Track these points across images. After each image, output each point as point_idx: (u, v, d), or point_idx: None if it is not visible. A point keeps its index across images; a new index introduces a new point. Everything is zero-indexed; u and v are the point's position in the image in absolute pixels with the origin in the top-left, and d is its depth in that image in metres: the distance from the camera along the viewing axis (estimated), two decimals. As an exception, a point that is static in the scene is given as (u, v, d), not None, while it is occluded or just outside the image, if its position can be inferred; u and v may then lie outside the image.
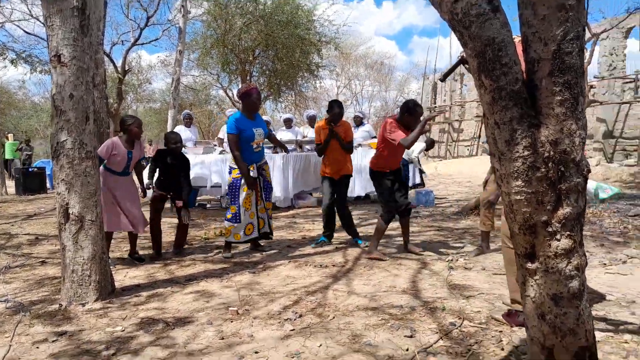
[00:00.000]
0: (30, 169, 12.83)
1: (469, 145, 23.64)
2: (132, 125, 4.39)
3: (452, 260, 4.38)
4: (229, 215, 4.71)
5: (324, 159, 5.25)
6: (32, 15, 15.63)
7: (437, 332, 2.73)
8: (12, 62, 14.81)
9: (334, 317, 3.00)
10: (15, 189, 12.45)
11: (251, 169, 4.67)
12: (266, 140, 5.01)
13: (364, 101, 39.46)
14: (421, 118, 4.45)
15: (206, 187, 8.13)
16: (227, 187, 4.84)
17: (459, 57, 3.13)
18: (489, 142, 1.67)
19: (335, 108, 5.11)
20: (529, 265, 1.65)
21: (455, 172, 15.41)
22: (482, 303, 3.21)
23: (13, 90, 31.06)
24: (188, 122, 9.28)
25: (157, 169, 4.89)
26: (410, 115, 4.40)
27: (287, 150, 5.73)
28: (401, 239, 4.92)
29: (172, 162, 4.83)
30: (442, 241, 5.32)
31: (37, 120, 30.68)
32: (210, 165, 8.11)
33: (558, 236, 1.59)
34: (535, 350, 1.70)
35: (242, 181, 4.62)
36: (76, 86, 3.37)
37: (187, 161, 5.00)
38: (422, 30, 68.15)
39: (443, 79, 3.61)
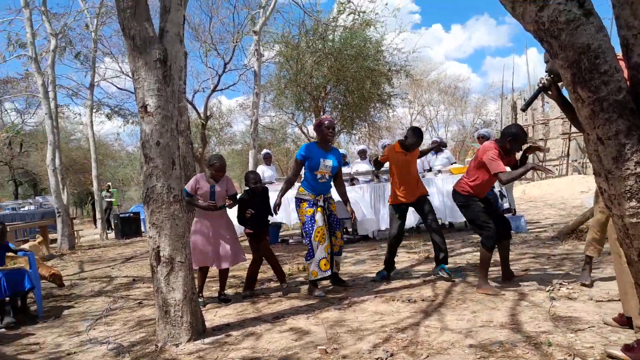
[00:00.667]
0: (127, 215, 13.79)
1: (557, 165, 22.21)
2: (215, 162, 4.61)
3: (553, 289, 4.01)
4: (305, 252, 4.66)
5: (394, 187, 5.00)
6: (122, 72, 17.13)
7: (545, 372, 2.47)
8: (107, 116, 16.23)
9: (427, 356, 2.82)
10: (115, 234, 13.40)
11: (318, 199, 4.67)
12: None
13: (439, 126, 38.66)
14: (524, 146, 4.19)
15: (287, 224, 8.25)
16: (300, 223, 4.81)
17: (540, 85, 2.98)
18: (592, 159, 1.49)
19: (415, 137, 4.87)
20: None
21: (546, 194, 14.46)
22: (593, 337, 2.88)
23: (110, 143, 33.96)
24: (268, 160, 9.56)
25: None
26: (514, 140, 4.02)
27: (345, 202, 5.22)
28: (497, 267, 4.60)
29: (252, 199, 4.91)
30: (540, 269, 4.92)
31: (132, 168, 33.15)
32: (290, 203, 8.22)
33: None
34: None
35: (316, 215, 4.58)
36: (162, 134, 3.57)
37: (266, 190, 5.08)
38: (494, 51, 66.21)
39: (525, 108, 3.51)
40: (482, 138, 8.48)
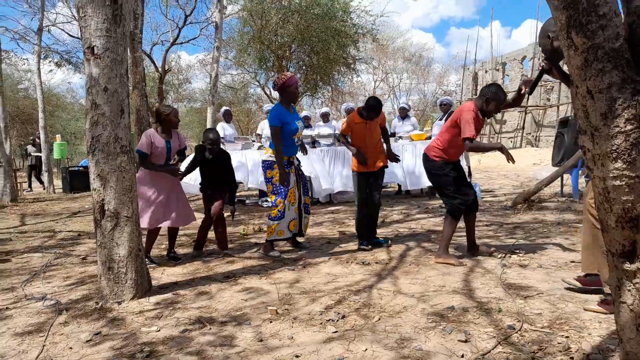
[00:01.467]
0: (77, 168, 13.18)
1: (512, 137, 22.78)
2: (169, 115, 4.26)
3: (505, 257, 4.06)
4: (274, 212, 4.45)
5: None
6: (75, 18, 16.01)
7: (494, 337, 2.47)
8: (57, 64, 15.23)
9: (379, 319, 2.78)
10: (62, 188, 12.81)
11: (292, 159, 4.52)
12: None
13: (401, 95, 38.76)
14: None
15: (244, 184, 8.06)
16: (266, 184, 4.59)
17: (540, 68, 3.02)
18: (579, 116, 1.38)
19: (369, 110, 4.57)
20: (628, 266, 1.36)
21: (500, 164, 14.80)
22: (542, 304, 2.92)
23: (61, 93, 32.24)
24: (228, 117, 9.25)
25: (197, 167, 4.77)
26: (493, 100, 3.89)
27: (306, 152, 5.32)
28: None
29: (211, 158, 4.69)
30: (493, 236, 4.99)
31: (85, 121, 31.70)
32: (248, 162, 8.02)
33: None
34: (631, 367, 1.42)
35: (290, 176, 4.44)
36: (110, 79, 3.28)
37: (227, 156, 4.83)
38: (459, 22, 66.46)
39: (530, 92, 3.49)
40: (445, 105, 8.48)
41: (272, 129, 4.37)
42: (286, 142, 4.44)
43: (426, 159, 4.20)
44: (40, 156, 13.46)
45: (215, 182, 4.72)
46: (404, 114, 9.30)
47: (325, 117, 9.48)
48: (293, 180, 4.52)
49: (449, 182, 4.07)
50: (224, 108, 9.62)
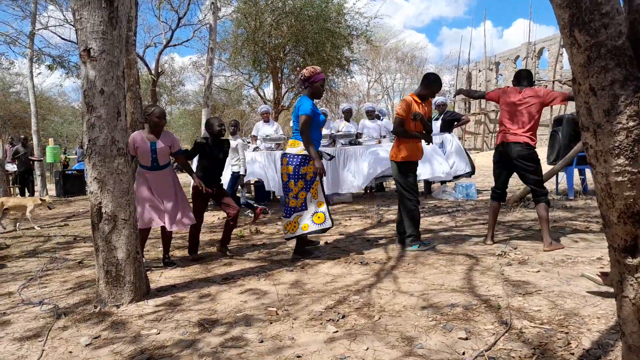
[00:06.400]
0: (70, 172, 13.10)
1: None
2: (151, 114, 4.17)
3: (503, 255, 4.08)
4: (294, 202, 4.25)
5: (409, 140, 4.42)
6: (67, 21, 15.92)
7: (494, 334, 2.48)
8: (49, 67, 15.14)
9: (380, 318, 2.78)
10: (56, 191, 12.73)
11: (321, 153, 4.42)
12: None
13: (395, 95, 38.88)
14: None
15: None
16: (296, 181, 4.27)
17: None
18: (581, 113, 1.39)
19: (437, 83, 4.41)
20: (630, 260, 1.36)
21: (495, 164, 14.83)
22: (541, 301, 2.93)
23: (53, 97, 32.07)
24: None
25: (198, 161, 4.69)
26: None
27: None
28: (447, 233, 4.64)
29: (212, 148, 4.61)
30: (490, 235, 5.00)
31: (77, 125, 31.58)
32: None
33: None
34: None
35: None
36: (106, 81, 3.26)
37: (228, 144, 4.79)
38: (451, 22, 66.77)
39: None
40: (442, 105, 8.53)
41: (304, 118, 4.13)
42: (314, 134, 4.27)
43: (528, 146, 4.18)
44: (30, 160, 12.78)
45: (217, 175, 4.68)
46: (373, 115, 9.46)
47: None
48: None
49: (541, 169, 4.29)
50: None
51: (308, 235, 4.43)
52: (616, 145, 1.30)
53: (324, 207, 4.30)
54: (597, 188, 1.44)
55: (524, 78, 4.36)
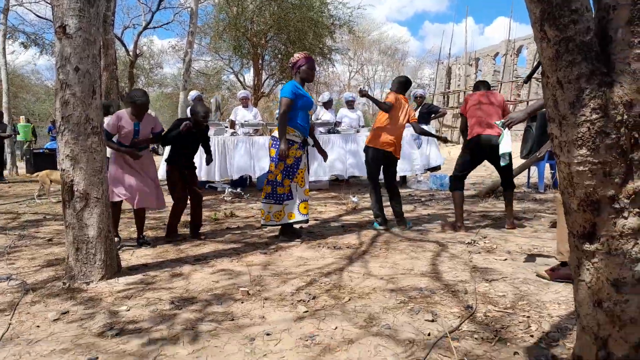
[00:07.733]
0: (41, 151, 12.79)
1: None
2: (138, 99, 4.19)
3: (472, 243, 4.18)
4: (281, 190, 4.31)
5: (388, 131, 4.78)
6: (43, -2, 15.47)
7: (459, 317, 2.56)
8: (23, 45, 14.69)
9: (349, 300, 2.83)
10: (26, 169, 12.44)
11: (305, 139, 4.45)
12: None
13: (376, 86, 39.02)
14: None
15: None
16: (278, 163, 4.31)
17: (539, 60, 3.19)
18: (548, 105, 1.45)
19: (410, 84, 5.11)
20: (587, 246, 1.43)
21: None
22: (506, 287, 3.03)
23: (26, 75, 31.16)
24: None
25: (172, 141, 4.59)
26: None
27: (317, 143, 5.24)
28: (420, 221, 4.75)
29: (193, 132, 4.57)
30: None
31: (50, 104, 30.80)
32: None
33: (625, 213, 1.38)
34: (587, 341, 1.50)
35: (302, 157, 4.36)
36: (82, 59, 3.21)
37: (207, 129, 4.78)
38: (434, 17, 67.15)
39: (526, 81, 3.61)
40: (420, 98, 8.62)
41: (283, 100, 4.19)
42: (301, 118, 4.31)
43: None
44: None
45: (190, 156, 4.66)
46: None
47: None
48: (304, 162, 4.41)
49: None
50: (194, 92, 9.46)
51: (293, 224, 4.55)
52: (579, 136, 1.36)
53: (308, 196, 4.51)
54: (560, 177, 1.51)
55: (482, 85, 5.00)
